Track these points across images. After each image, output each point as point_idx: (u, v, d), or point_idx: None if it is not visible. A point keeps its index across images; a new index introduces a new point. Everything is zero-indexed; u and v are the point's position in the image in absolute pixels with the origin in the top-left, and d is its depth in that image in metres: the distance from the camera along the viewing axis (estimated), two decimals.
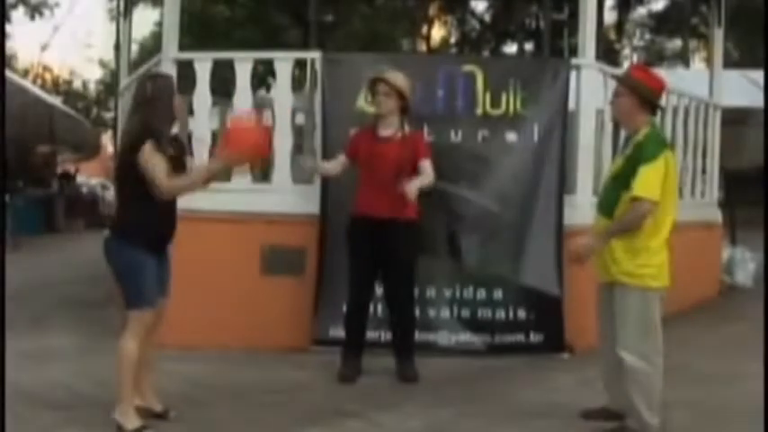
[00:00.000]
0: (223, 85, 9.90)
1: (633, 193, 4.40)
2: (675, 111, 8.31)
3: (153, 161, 4.38)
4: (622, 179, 4.54)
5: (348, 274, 5.90)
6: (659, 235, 4.51)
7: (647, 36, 35.86)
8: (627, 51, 33.83)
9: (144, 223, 4.47)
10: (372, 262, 5.80)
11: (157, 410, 4.77)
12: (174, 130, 5.03)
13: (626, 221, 4.45)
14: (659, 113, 5.06)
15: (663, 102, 4.73)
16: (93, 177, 28.37)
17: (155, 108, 4.51)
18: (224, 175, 7.26)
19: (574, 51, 9.03)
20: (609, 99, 7.09)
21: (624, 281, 4.51)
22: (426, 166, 5.73)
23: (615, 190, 4.59)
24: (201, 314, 6.41)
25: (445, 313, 6.54)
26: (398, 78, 5.76)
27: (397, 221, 5.65)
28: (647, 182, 4.38)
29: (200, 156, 6.84)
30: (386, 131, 5.80)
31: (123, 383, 4.52)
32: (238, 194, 6.75)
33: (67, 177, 23.61)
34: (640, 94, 4.59)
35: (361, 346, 5.94)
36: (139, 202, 4.46)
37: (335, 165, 6.03)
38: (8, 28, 22.91)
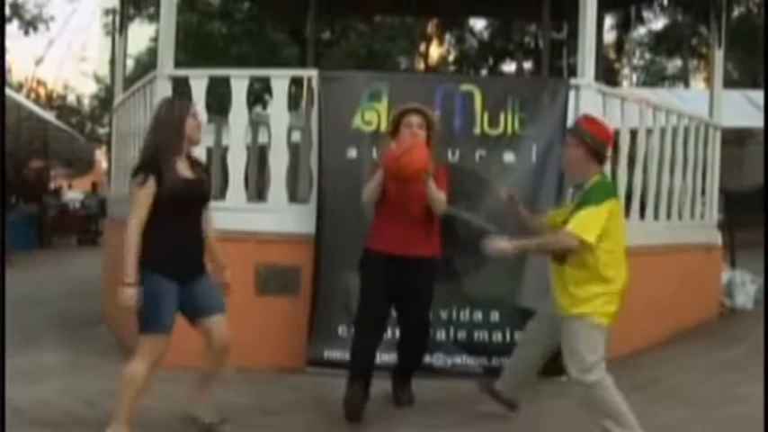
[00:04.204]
0: (219, 102, 9.88)
1: (568, 228, 4.56)
2: (675, 131, 8.27)
3: (137, 198, 4.40)
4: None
5: (359, 304, 5.48)
6: (607, 278, 4.58)
7: (647, 56, 36.00)
8: (626, 71, 33.91)
9: (158, 249, 4.41)
10: (389, 294, 5.44)
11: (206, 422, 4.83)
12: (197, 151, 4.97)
13: (545, 243, 4.76)
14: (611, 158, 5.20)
15: (608, 153, 4.89)
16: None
17: (161, 132, 4.50)
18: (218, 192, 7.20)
19: (573, 71, 9.00)
20: (608, 118, 7.10)
21: (573, 315, 4.63)
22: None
23: None
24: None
25: (442, 335, 6.46)
26: (430, 110, 5.60)
27: (425, 259, 5.44)
28: (584, 222, 4.54)
29: None
30: None
31: (121, 405, 4.46)
32: (233, 213, 6.69)
33: (56, 193, 23.61)
34: (589, 145, 4.71)
35: (370, 374, 5.44)
36: (153, 227, 4.40)
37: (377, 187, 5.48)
38: None
